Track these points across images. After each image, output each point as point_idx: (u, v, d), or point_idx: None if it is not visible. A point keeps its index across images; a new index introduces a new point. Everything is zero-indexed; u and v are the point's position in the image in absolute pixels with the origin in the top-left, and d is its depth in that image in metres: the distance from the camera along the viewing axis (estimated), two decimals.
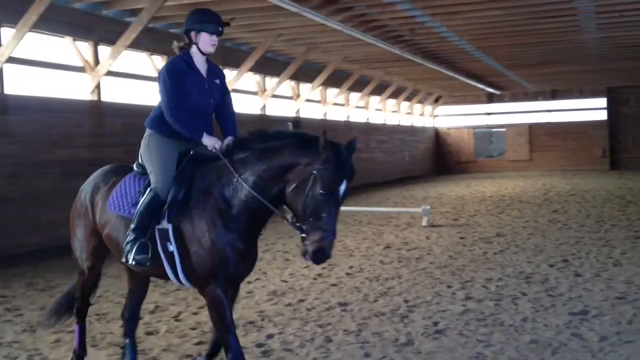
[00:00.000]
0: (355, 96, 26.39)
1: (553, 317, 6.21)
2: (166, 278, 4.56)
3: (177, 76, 4.52)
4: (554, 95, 33.82)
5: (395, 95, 29.71)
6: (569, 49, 20.21)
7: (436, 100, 36.00)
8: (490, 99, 34.96)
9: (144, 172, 4.64)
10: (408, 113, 32.91)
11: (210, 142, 4.45)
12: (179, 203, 4.36)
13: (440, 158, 36.35)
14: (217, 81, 4.77)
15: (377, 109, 29.12)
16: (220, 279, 4.23)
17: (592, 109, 33.22)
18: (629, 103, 32.22)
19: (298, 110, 22.19)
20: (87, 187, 5.05)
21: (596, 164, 32.28)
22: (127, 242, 4.36)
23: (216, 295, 4.24)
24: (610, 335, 5.57)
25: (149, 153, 4.57)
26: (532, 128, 34.62)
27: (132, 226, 4.37)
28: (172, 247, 4.32)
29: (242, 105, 18.92)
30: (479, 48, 19.32)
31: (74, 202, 5.14)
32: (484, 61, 21.92)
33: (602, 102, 32.79)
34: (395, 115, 31.32)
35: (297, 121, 21.31)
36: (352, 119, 26.63)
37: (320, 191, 3.91)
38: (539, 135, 34.20)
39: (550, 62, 22.97)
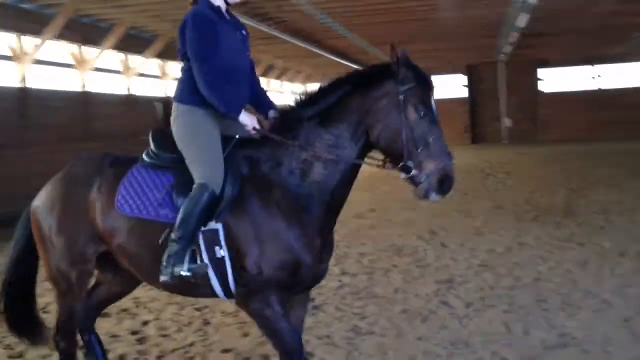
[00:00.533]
0: None
1: (422, 286, 6.50)
2: (205, 294, 3.71)
3: (208, 28, 3.52)
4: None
5: (265, 74, 29.64)
6: (429, 28, 20.99)
7: (307, 79, 36.28)
8: None
9: (161, 164, 3.76)
10: (279, 92, 32.98)
11: (249, 120, 3.57)
12: (233, 198, 3.53)
13: None
14: (247, 39, 3.85)
15: None
16: (278, 289, 3.50)
17: (454, 86, 34.83)
18: (486, 79, 34.05)
19: (167, 89, 21.63)
20: (73, 178, 3.98)
21: (459, 139, 33.90)
22: (173, 253, 3.45)
23: (271, 313, 3.49)
24: (475, 301, 5.90)
25: (189, 137, 3.61)
26: None
27: (178, 233, 3.44)
28: (222, 252, 3.50)
29: (106, 85, 18.20)
30: (345, 25, 19.63)
31: (45, 197, 4.01)
32: (350, 39, 22.30)
33: (463, 79, 34.41)
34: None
35: (166, 101, 20.74)
36: None
37: (419, 112, 3.37)
38: None
39: (412, 40, 23.78)
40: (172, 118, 3.75)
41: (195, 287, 3.62)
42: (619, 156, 20.13)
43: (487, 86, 34.10)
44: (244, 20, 16.44)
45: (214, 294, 3.65)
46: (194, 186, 3.51)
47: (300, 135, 3.55)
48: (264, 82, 30.23)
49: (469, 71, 34.09)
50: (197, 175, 3.54)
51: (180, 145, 3.67)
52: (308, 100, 3.63)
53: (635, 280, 6.31)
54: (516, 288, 6.26)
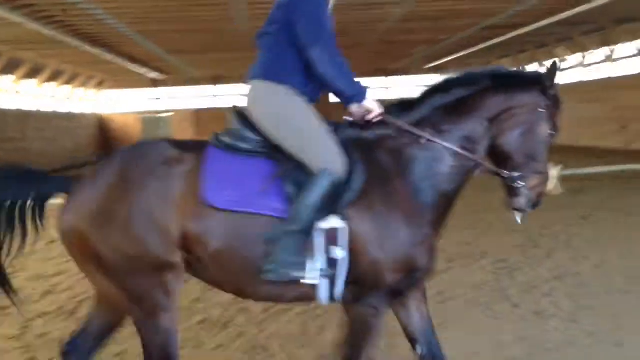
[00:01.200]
0: (5, 80, 24.13)
1: (222, 295, 6.47)
2: (297, 298, 3.22)
3: (325, 5, 3.25)
4: (217, 80, 35.11)
5: (52, 79, 27.91)
6: (226, 38, 21.13)
7: (99, 85, 34.76)
8: (155, 83, 34.93)
9: (249, 148, 3.22)
10: (68, 98, 31.22)
11: (376, 106, 3.29)
12: (358, 189, 3.13)
13: (106, 145, 35.27)
14: None
15: (33, 95, 27.06)
16: (392, 291, 3.20)
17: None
18: None
19: None
20: (130, 177, 3.08)
21: None
22: (286, 251, 2.98)
23: (377, 317, 3.21)
24: (272, 305, 6.01)
25: (295, 119, 3.19)
26: (198, 113, 35.52)
27: (295, 226, 2.98)
28: (341, 253, 3.06)
29: None
30: (139, 32, 19.12)
31: (92, 207, 3.07)
32: (145, 45, 21.77)
33: None
34: (53, 100, 29.47)
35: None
36: (2, 106, 24.33)
37: (549, 130, 3.37)
38: (205, 120, 35.24)
39: (211, 50, 23.78)
40: (253, 98, 3.29)
41: (295, 290, 3.15)
42: None
43: None
44: (27, 23, 15.39)
45: (307, 298, 3.20)
46: (316, 172, 3.07)
47: (426, 124, 3.32)
48: (51, 87, 28.47)
49: None
50: (316, 160, 3.10)
51: (277, 127, 3.19)
52: (433, 90, 3.42)
53: None
54: None
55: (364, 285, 3.15)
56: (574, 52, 27.37)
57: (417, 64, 33.50)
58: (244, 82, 3.38)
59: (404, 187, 3.20)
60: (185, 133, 35.22)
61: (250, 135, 3.25)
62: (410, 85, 36.29)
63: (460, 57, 29.27)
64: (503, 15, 19.19)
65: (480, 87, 3.36)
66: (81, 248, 3.12)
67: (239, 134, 3.25)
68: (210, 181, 3.06)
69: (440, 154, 3.29)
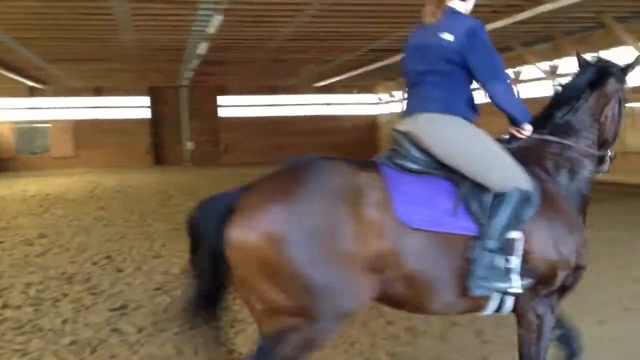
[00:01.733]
0: None
1: (94, 315, 6.24)
2: (475, 309, 3.49)
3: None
4: (99, 92, 33.92)
5: None
6: (110, 48, 20.48)
7: None
8: (33, 92, 33.28)
9: (422, 169, 3.43)
10: None
11: (529, 125, 3.72)
12: (540, 203, 3.47)
13: None
14: None
15: None
16: (559, 294, 3.55)
17: (136, 107, 34.47)
18: (168, 102, 34.40)
19: None
20: (322, 192, 3.08)
21: (141, 161, 33.52)
22: (492, 267, 3.22)
23: (551, 318, 3.52)
24: (147, 326, 5.85)
25: (478, 144, 3.44)
26: (78, 124, 34.13)
27: (496, 243, 3.23)
28: (517, 261, 3.31)
29: None
30: (15, 39, 18.18)
31: (281, 220, 3.01)
32: (21, 53, 20.72)
33: (146, 100, 34.24)
34: None
35: None
36: None
37: (624, 108, 3.92)
38: (85, 132, 33.88)
39: (93, 59, 22.96)
40: (431, 128, 3.48)
41: (470, 302, 3.41)
42: None
43: (170, 109, 34.47)
44: None
45: (475, 309, 3.50)
46: (501, 191, 3.33)
47: (562, 135, 3.74)
48: None
49: (152, 93, 34.09)
50: (503, 181, 3.35)
51: (460, 154, 3.41)
52: (557, 103, 3.84)
53: None
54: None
55: (542, 291, 3.45)
56: None
57: (305, 83, 33.92)
58: (408, 114, 3.65)
59: (561, 194, 3.60)
60: (64, 145, 33.70)
61: (419, 156, 3.47)
62: (298, 104, 36.65)
63: (348, 77, 29.92)
64: (388, 39, 19.82)
65: (585, 93, 3.83)
66: (261, 263, 3.02)
67: (408, 155, 3.48)
68: (401, 201, 3.21)
69: (581, 161, 3.72)
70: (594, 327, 5.47)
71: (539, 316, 3.48)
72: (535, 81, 22.94)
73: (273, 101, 36.32)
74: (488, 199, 3.35)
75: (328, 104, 37.43)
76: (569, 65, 19.81)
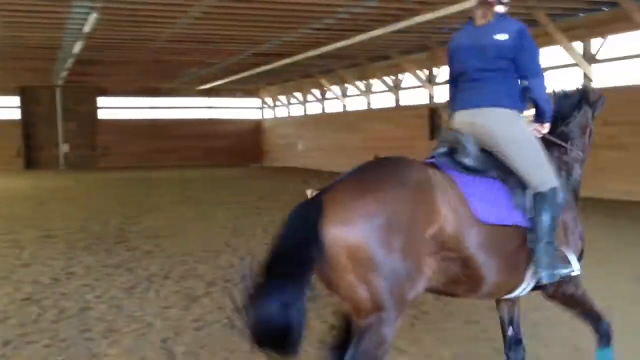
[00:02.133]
0: None
1: None
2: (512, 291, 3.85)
3: None
4: None
5: None
6: None
7: None
8: None
9: (477, 167, 3.71)
10: None
11: (549, 126, 4.19)
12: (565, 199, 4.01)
13: None
14: None
15: None
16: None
17: (5, 107, 32.62)
18: (42, 102, 32.78)
19: None
20: (411, 189, 3.30)
21: (11, 164, 31.76)
22: (551, 256, 3.64)
23: (584, 289, 4.01)
24: (15, 338, 5.52)
25: (532, 142, 3.84)
26: None
27: (550, 236, 3.64)
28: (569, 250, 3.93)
29: None
30: None
31: (374, 212, 3.14)
32: None
33: (16, 100, 32.47)
34: None
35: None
36: None
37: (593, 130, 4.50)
38: None
39: None
40: (492, 123, 3.81)
41: (514, 286, 3.78)
42: (170, 183, 21.35)
43: (44, 110, 32.88)
44: None
45: (509, 292, 3.83)
46: (548, 190, 3.68)
47: (566, 140, 4.26)
48: None
49: (23, 93, 32.41)
50: (543, 179, 3.72)
51: (517, 150, 3.75)
52: (563, 109, 4.31)
53: (174, 300, 6.71)
54: (61, 320, 6.06)
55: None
56: (335, 84, 29.15)
57: (188, 86, 33.38)
58: (467, 108, 3.96)
59: (569, 188, 4.13)
60: None
61: (479, 154, 3.76)
62: (180, 106, 36.01)
63: (232, 81, 29.75)
64: (270, 44, 19.90)
65: (581, 108, 4.40)
66: (354, 257, 3.13)
67: (470, 153, 3.73)
68: (473, 200, 3.49)
69: (577, 162, 4.28)
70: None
71: (571, 292, 3.97)
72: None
73: (154, 103, 35.51)
74: (530, 195, 3.73)
75: (211, 107, 37.07)
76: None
